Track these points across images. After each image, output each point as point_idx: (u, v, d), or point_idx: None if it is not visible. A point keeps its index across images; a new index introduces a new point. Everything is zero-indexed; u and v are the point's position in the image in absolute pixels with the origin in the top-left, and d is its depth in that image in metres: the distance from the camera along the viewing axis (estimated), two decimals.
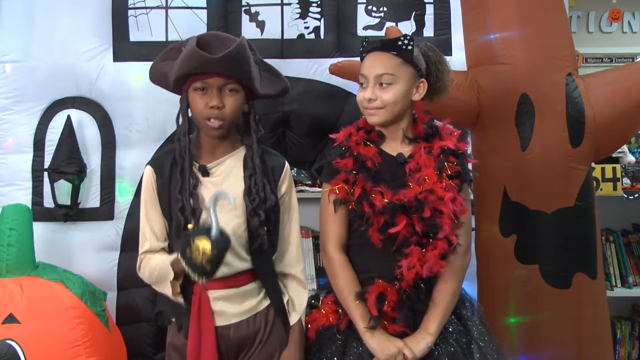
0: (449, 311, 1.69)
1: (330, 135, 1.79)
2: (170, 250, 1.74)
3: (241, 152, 1.76)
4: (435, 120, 1.77)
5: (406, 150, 1.72)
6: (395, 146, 1.73)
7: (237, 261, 1.71)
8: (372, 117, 1.70)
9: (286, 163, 1.82)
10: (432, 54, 1.73)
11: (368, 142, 1.72)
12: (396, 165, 1.70)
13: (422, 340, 1.64)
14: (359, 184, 1.66)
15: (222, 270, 1.68)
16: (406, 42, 1.66)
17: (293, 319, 1.78)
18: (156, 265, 1.69)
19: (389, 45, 1.68)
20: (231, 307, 1.72)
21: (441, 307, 1.67)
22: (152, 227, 1.73)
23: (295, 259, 1.82)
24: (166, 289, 1.67)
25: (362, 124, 1.76)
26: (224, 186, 1.72)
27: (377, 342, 1.63)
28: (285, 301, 1.79)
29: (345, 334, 1.70)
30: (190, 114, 1.72)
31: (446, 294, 1.68)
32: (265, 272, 1.77)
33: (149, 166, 1.76)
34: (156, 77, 1.79)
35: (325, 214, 1.74)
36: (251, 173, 1.72)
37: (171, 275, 1.64)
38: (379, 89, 1.67)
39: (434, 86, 1.73)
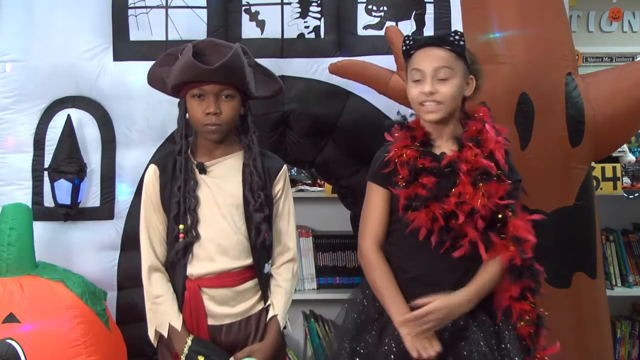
0: (484, 289, 1.65)
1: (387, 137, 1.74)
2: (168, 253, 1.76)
3: (240, 153, 1.80)
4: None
5: (452, 149, 1.69)
6: (441, 145, 1.71)
7: (240, 256, 1.73)
8: (430, 115, 1.66)
9: (284, 166, 1.85)
10: (468, 53, 1.70)
11: (420, 148, 1.67)
12: (444, 168, 1.66)
13: (457, 294, 1.61)
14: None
15: (224, 265, 1.72)
16: (457, 37, 1.65)
17: (271, 313, 1.77)
18: (159, 315, 1.76)
19: (442, 40, 1.66)
20: (224, 308, 1.73)
21: (481, 280, 1.64)
22: (153, 236, 1.77)
23: (285, 270, 1.83)
24: (151, 329, 1.77)
25: (415, 125, 1.72)
26: (224, 184, 1.75)
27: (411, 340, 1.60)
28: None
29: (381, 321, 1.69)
30: (187, 117, 1.76)
31: (487, 272, 1.64)
32: (263, 270, 1.78)
33: (153, 165, 1.79)
34: (154, 82, 1.83)
35: (368, 209, 1.73)
36: (251, 171, 1.74)
37: (164, 333, 1.73)
38: (437, 83, 1.64)
39: (477, 83, 1.72)
